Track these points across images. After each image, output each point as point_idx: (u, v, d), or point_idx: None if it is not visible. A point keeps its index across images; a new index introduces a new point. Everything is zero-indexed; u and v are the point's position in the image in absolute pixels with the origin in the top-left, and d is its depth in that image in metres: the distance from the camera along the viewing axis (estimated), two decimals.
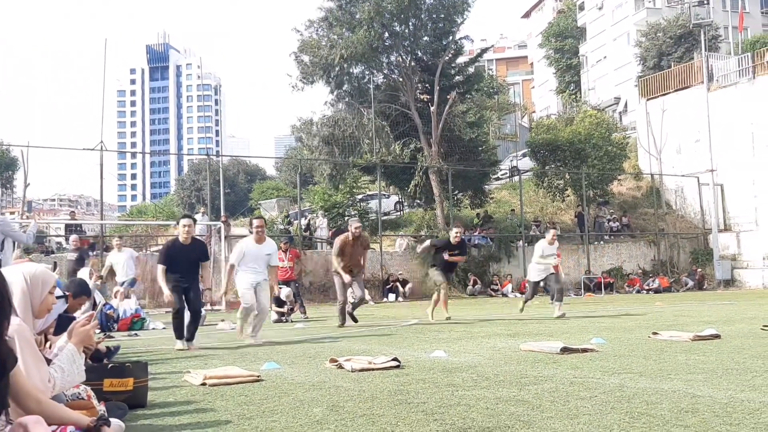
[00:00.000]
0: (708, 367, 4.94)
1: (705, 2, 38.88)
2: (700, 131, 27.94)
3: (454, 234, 11.09)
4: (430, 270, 12.01)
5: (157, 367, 5.75)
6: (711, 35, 36.49)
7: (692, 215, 29.05)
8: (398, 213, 30.60)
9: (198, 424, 3.45)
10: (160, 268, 7.58)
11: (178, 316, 7.58)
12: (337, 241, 10.21)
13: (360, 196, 28.07)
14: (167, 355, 7.10)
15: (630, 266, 26.26)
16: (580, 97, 51.86)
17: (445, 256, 11.00)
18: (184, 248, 7.62)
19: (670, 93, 29.98)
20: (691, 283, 24.71)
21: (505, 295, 22.30)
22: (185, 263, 7.57)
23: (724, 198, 27.58)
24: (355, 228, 10.15)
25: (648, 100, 30.88)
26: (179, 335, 7.60)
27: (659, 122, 29.71)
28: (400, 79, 26.75)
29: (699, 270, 25.75)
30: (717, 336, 7.06)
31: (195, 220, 8.32)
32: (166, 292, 7.52)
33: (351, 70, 26.57)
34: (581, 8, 55.82)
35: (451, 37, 26.77)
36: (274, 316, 12.28)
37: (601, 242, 26.79)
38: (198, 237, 9.86)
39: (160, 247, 23.74)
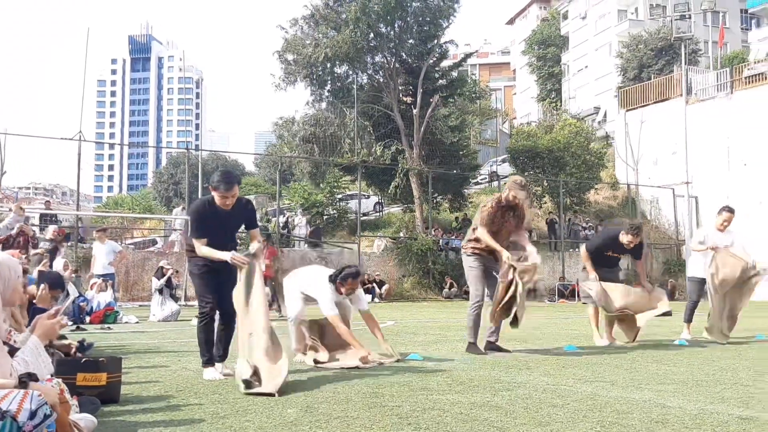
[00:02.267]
0: (678, 378, 5.01)
1: (687, 16, 39.43)
2: (677, 143, 28.33)
3: (627, 240, 7.35)
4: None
5: (130, 362, 5.69)
6: (691, 49, 37.10)
7: (666, 226, 29.43)
8: (378, 214, 30.67)
9: (171, 422, 3.43)
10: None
11: (208, 323, 5.00)
12: (484, 208, 6.36)
13: (340, 196, 28.10)
14: (140, 349, 7.03)
15: None
16: (561, 105, 52.35)
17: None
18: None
19: (649, 105, 30.37)
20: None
21: None
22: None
23: (698, 210, 27.96)
24: (513, 195, 6.22)
25: (627, 111, 31.24)
26: (209, 359, 4.95)
27: (637, 133, 30.07)
28: (384, 81, 26.78)
29: (671, 281, 26.08)
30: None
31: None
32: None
33: (335, 70, 26.57)
34: (565, 17, 56.39)
35: (435, 41, 26.87)
36: None
37: (576, 249, 26.97)
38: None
39: (138, 239, 23.39)
